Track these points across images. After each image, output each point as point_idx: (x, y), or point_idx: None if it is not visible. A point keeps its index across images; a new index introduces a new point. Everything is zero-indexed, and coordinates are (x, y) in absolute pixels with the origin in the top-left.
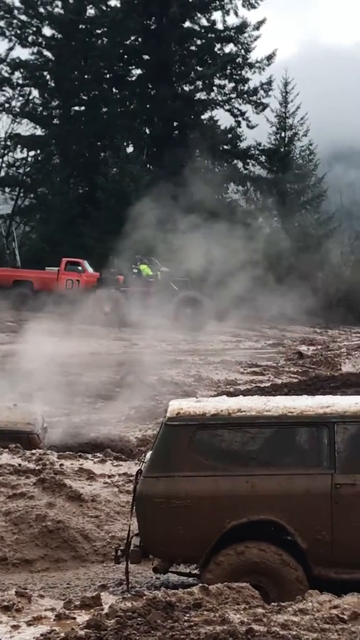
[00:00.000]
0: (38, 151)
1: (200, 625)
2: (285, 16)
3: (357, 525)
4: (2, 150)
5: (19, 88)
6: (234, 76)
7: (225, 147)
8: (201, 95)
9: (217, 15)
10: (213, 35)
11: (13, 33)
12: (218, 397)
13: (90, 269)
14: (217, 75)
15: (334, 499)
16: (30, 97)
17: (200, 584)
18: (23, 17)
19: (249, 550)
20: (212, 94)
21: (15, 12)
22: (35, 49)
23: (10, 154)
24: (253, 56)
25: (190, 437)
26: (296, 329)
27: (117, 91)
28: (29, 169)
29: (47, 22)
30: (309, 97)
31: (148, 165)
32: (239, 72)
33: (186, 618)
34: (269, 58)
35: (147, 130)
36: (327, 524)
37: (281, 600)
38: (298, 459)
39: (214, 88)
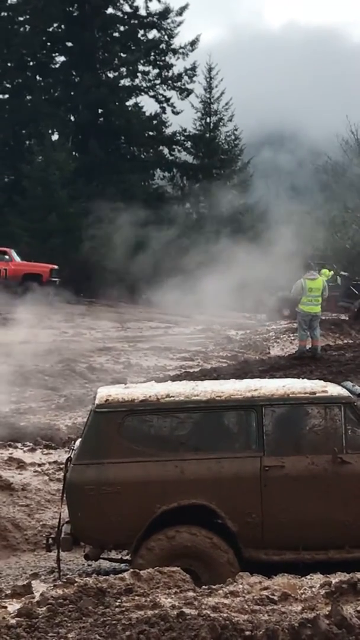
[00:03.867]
0: None
1: (132, 611)
2: (214, 0)
3: (286, 506)
4: None
5: None
6: (157, 62)
7: (150, 133)
8: (125, 82)
9: (139, 2)
10: (136, 21)
11: None
12: (146, 383)
13: (17, 258)
14: (141, 61)
15: (263, 482)
16: None
17: (132, 570)
18: None
19: (179, 535)
20: (137, 81)
21: None
22: None
23: None
24: (177, 42)
25: (119, 423)
26: (225, 314)
27: (40, 79)
28: None
29: None
30: (238, 82)
31: (74, 153)
32: (163, 58)
33: (117, 604)
34: (192, 44)
35: (72, 118)
36: (257, 507)
37: (212, 583)
38: (227, 442)
39: (138, 74)
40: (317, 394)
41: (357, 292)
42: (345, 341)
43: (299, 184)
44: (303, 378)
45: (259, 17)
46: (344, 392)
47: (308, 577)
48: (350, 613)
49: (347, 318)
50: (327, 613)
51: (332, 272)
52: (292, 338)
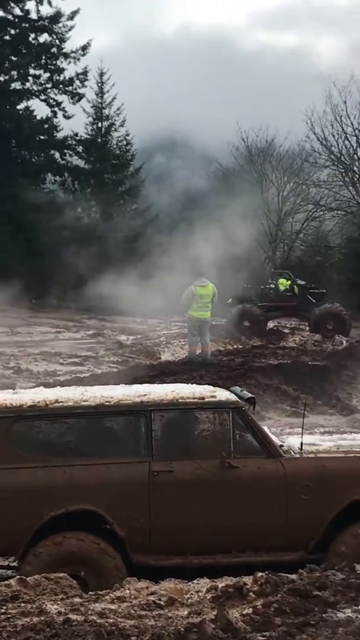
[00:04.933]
0: None
1: (17, 617)
2: (106, 5)
3: (174, 511)
4: None
5: None
6: (49, 66)
7: (41, 137)
8: (16, 85)
9: (30, 5)
10: (27, 25)
11: None
12: (36, 389)
13: None
14: (32, 65)
15: (151, 487)
16: None
17: (18, 576)
18: None
19: (67, 541)
20: (28, 84)
21: None
22: None
23: None
24: (68, 46)
25: (7, 429)
26: (115, 319)
27: None
28: None
29: None
30: (130, 87)
31: None
32: (54, 62)
33: (3, 611)
34: (84, 48)
35: None
36: (145, 512)
37: (100, 588)
38: (116, 448)
39: (29, 78)
40: (206, 399)
41: (314, 301)
42: (235, 346)
43: (191, 190)
44: (193, 383)
45: (151, 23)
46: (232, 397)
47: (195, 581)
48: (236, 617)
49: (307, 326)
50: (213, 617)
51: (289, 282)
52: (183, 343)
